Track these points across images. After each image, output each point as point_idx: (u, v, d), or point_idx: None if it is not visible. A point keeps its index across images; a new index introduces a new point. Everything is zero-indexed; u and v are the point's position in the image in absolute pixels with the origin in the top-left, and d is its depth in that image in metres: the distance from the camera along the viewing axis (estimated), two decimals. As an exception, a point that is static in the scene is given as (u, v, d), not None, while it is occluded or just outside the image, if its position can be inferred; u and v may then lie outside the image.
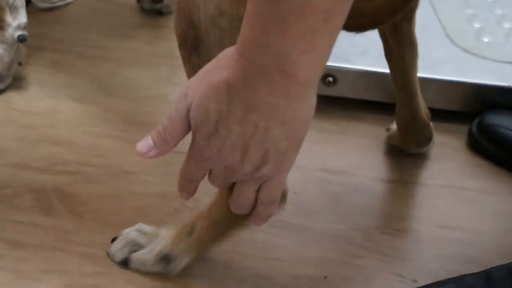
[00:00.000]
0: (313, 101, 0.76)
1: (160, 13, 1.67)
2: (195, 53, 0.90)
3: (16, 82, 1.42)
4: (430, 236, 1.18)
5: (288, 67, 0.69)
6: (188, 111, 0.79)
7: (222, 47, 0.84)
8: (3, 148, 1.28)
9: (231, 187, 0.91)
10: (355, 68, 1.36)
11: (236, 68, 0.73)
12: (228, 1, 0.86)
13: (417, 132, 1.28)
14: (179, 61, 1.42)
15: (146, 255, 1.06)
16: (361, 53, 1.37)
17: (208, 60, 0.84)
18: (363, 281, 1.12)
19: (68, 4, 1.66)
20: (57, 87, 1.42)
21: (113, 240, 1.10)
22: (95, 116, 1.35)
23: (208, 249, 1.07)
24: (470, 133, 1.34)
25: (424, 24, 1.45)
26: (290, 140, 0.77)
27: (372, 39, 1.36)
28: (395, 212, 1.22)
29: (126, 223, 1.15)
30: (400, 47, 1.21)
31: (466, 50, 1.42)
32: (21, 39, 1.37)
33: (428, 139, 1.29)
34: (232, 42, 0.83)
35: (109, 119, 1.36)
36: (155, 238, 1.06)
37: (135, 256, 1.07)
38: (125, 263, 1.08)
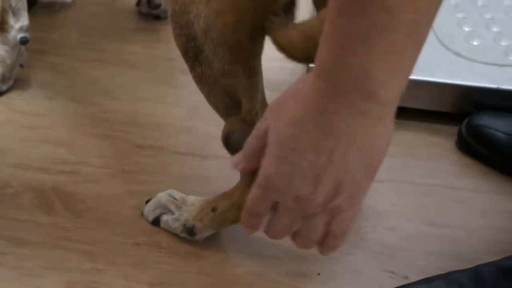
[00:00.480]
0: (391, 125, 0.69)
1: (157, 17, 1.68)
2: (197, 62, 0.96)
3: (17, 84, 1.44)
4: (420, 234, 1.21)
5: (369, 87, 0.63)
6: (266, 132, 0.73)
7: (217, 56, 0.93)
8: (5, 149, 1.30)
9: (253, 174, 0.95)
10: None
11: (312, 91, 0.67)
12: (213, 15, 0.91)
13: None
14: (176, 64, 1.46)
15: (174, 223, 1.16)
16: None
17: (209, 68, 0.95)
18: (355, 277, 1.14)
19: (68, 7, 1.67)
20: (58, 89, 1.44)
21: (147, 201, 1.19)
22: (94, 117, 1.37)
23: (227, 226, 1.14)
24: (459, 134, 1.36)
25: (415, 28, 1.48)
26: (367, 169, 0.69)
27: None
28: (386, 210, 1.24)
29: (125, 222, 1.18)
30: None
31: (456, 53, 1.44)
32: (23, 41, 1.39)
33: None
34: (224, 53, 0.92)
35: (108, 120, 1.37)
36: (183, 206, 1.16)
37: (164, 219, 1.17)
38: (156, 222, 1.18)
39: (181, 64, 1.44)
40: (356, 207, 0.74)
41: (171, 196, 1.18)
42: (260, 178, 0.74)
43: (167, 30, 1.52)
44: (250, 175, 0.97)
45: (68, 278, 1.11)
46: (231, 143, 1.02)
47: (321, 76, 0.66)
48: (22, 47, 1.41)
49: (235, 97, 1.00)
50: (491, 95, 1.37)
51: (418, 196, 1.27)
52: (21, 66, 1.43)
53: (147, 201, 1.20)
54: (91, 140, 1.33)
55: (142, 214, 1.20)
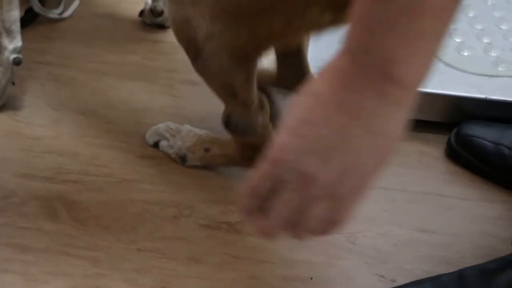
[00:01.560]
0: (406, 117, 0.67)
1: (161, 26, 1.71)
2: (199, 57, 1.03)
3: (22, 96, 1.47)
4: (409, 239, 1.24)
5: (394, 71, 0.62)
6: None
7: (216, 57, 1.00)
8: (10, 159, 1.33)
9: (243, 147, 1.13)
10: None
11: (336, 68, 0.65)
12: (215, 27, 0.96)
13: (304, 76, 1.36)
14: (177, 75, 1.50)
15: (169, 149, 1.33)
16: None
17: (211, 62, 1.01)
18: (346, 281, 1.18)
19: (71, 19, 1.70)
20: (61, 100, 1.47)
21: None
22: (97, 128, 1.40)
23: (213, 165, 1.31)
24: (448, 143, 1.39)
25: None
26: (378, 159, 0.67)
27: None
28: (377, 216, 1.27)
29: (126, 229, 1.22)
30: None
31: (447, 64, 1.46)
32: (17, 62, 1.40)
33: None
34: (224, 59, 0.99)
35: (111, 130, 1.41)
36: (176, 135, 1.32)
37: (162, 144, 1.34)
38: (156, 146, 1.35)
39: (182, 75, 1.50)
40: (357, 198, 0.69)
41: (167, 126, 1.34)
42: (270, 152, 0.69)
43: (167, 42, 1.57)
44: (240, 146, 1.16)
45: (72, 283, 1.15)
46: (231, 123, 1.13)
47: (347, 56, 0.64)
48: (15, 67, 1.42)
49: (232, 88, 1.07)
50: (480, 105, 1.39)
51: (409, 203, 1.30)
52: (13, 83, 1.45)
53: None
54: (94, 150, 1.36)
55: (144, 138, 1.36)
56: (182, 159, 1.31)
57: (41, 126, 1.41)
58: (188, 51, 1.05)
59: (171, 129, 1.34)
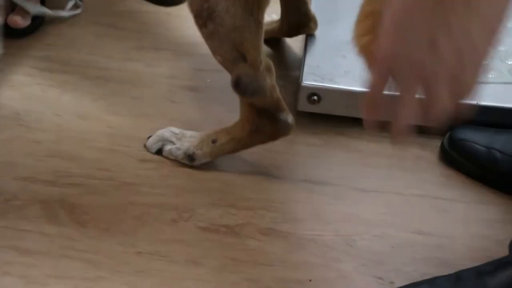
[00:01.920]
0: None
1: (171, 3, 1.68)
2: (210, 20, 1.02)
3: (25, 101, 1.42)
4: (406, 242, 1.19)
5: None
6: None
7: (229, 13, 1.00)
8: (13, 163, 1.28)
9: (254, 115, 1.11)
10: (338, 88, 1.35)
11: None
12: None
13: (311, 21, 1.46)
14: (176, 81, 1.45)
15: (176, 151, 1.27)
16: (343, 74, 1.38)
17: (221, 25, 1.01)
18: (345, 283, 1.13)
19: (75, 27, 1.65)
20: (64, 106, 1.42)
21: (149, 137, 1.30)
22: (98, 132, 1.34)
23: (223, 155, 1.25)
24: (442, 147, 1.34)
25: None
26: (484, 36, 0.62)
27: (353, 61, 1.37)
28: (374, 219, 1.22)
29: (127, 231, 1.16)
30: None
31: (439, 70, 1.41)
32: None
33: (316, 23, 1.46)
34: (236, 10, 1.00)
35: (112, 135, 1.35)
36: (183, 138, 1.27)
37: (167, 148, 1.28)
38: (159, 152, 1.29)
39: (182, 81, 1.45)
40: (476, 73, 0.66)
41: (172, 131, 1.28)
42: (377, 57, 0.66)
43: (169, 49, 1.53)
44: (247, 112, 1.14)
45: (73, 285, 1.09)
46: (241, 85, 1.09)
47: None
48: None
49: (242, 48, 1.05)
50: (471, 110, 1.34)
51: (405, 206, 1.25)
52: None
53: (148, 138, 1.30)
54: (95, 154, 1.31)
55: (144, 147, 1.30)
56: (190, 158, 1.26)
57: (43, 130, 1.36)
58: (199, 16, 1.04)
59: (176, 133, 1.29)
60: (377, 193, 1.26)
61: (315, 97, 1.36)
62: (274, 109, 1.15)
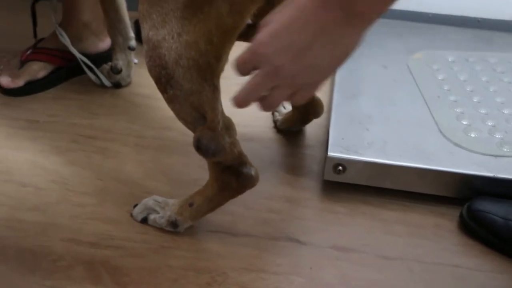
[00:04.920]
0: (360, 38, 0.78)
1: (118, 86, 1.70)
2: (168, 86, 1.04)
3: (70, 166, 1.42)
4: (428, 309, 1.15)
5: (356, 6, 0.75)
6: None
7: (186, 79, 1.02)
8: (59, 225, 1.26)
9: (219, 173, 1.14)
10: (362, 159, 1.35)
11: None
12: (183, 47, 0.99)
13: (316, 106, 1.47)
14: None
15: (160, 219, 1.24)
16: (366, 145, 1.37)
17: (179, 90, 1.03)
18: None
19: (115, 97, 1.66)
20: (106, 171, 1.41)
21: (135, 206, 1.28)
22: (137, 197, 1.32)
23: (202, 217, 1.23)
24: (461, 217, 1.32)
25: (421, 122, 1.46)
26: (332, 63, 0.80)
27: (375, 134, 1.37)
28: (397, 285, 1.19)
29: (164, 293, 1.14)
30: None
31: (456, 144, 1.41)
32: None
33: (322, 107, 1.47)
34: (192, 75, 1.01)
35: (150, 200, 1.33)
36: (166, 206, 1.25)
37: (152, 217, 1.26)
38: (144, 221, 1.26)
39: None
40: (314, 91, 0.85)
41: (155, 200, 1.27)
42: (254, 42, 0.81)
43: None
44: (213, 171, 1.15)
45: None
46: (201, 146, 1.09)
47: None
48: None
49: (201, 110, 1.06)
50: (488, 182, 1.33)
51: (426, 273, 1.22)
52: None
53: (135, 206, 1.28)
54: (135, 217, 1.29)
55: (131, 215, 1.28)
56: (174, 225, 1.24)
57: (87, 194, 1.35)
58: (159, 82, 1.05)
59: (159, 202, 1.27)
60: (399, 260, 1.24)
61: (340, 168, 1.35)
62: (237, 164, 1.15)
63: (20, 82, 1.65)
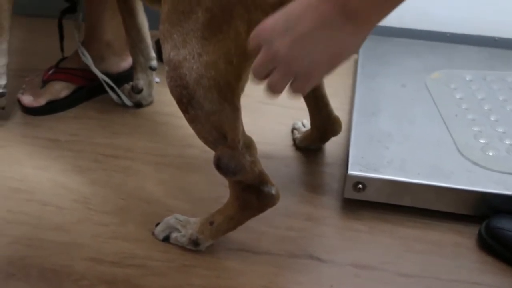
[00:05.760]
0: (360, 41, 0.82)
1: (139, 105, 1.69)
2: (190, 106, 1.04)
3: (92, 185, 1.42)
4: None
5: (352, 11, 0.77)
6: None
7: (207, 99, 1.02)
8: (81, 244, 1.26)
9: (240, 192, 1.13)
10: (382, 177, 1.34)
11: None
12: (203, 67, 0.99)
13: (334, 124, 1.46)
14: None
15: (182, 238, 1.23)
16: (386, 164, 1.36)
17: (200, 110, 1.03)
18: None
19: (137, 116, 1.66)
20: (128, 190, 1.41)
21: (157, 224, 1.27)
22: (159, 215, 1.31)
23: (223, 235, 1.22)
24: (479, 234, 1.30)
25: (439, 140, 1.45)
26: (327, 59, 0.82)
27: (394, 152, 1.36)
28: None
29: (186, 312, 1.12)
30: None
31: (474, 163, 1.39)
32: (1, 95, 1.54)
33: (340, 125, 1.46)
34: (212, 95, 1.01)
35: (171, 218, 1.32)
36: (187, 225, 1.24)
37: (174, 236, 1.25)
38: (166, 239, 1.25)
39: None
40: (310, 83, 0.85)
41: (177, 219, 1.25)
42: (257, 27, 0.85)
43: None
44: (234, 190, 1.14)
45: None
46: (221, 165, 1.08)
47: None
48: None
49: (222, 130, 1.05)
50: (506, 200, 1.31)
51: (445, 291, 1.19)
52: (3, 108, 1.58)
53: (157, 224, 1.27)
54: (157, 236, 1.28)
55: (153, 234, 1.27)
56: (195, 243, 1.22)
57: (108, 213, 1.34)
58: (181, 102, 1.05)
59: (181, 220, 1.26)
60: (418, 278, 1.22)
61: (360, 186, 1.34)
62: (258, 183, 1.13)
63: (42, 101, 1.65)
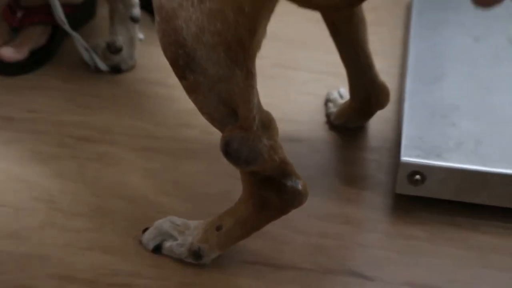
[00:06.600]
0: None
1: (117, 70, 1.71)
2: (188, 70, 1.03)
3: (58, 178, 1.44)
4: None
5: None
6: None
7: (210, 61, 1.00)
8: (47, 256, 1.28)
9: (256, 187, 1.14)
10: (447, 165, 1.35)
11: None
12: (205, 17, 0.98)
13: (379, 94, 1.47)
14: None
15: (178, 248, 1.25)
16: (453, 147, 1.37)
17: (203, 75, 1.03)
18: None
19: (116, 86, 1.68)
20: (105, 185, 1.43)
21: (144, 230, 1.29)
22: (148, 218, 1.33)
23: (233, 244, 1.24)
24: None
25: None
26: None
27: (465, 130, 1.35)
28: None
29: None
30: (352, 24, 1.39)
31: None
32: None
33: (388, 95, 1.48)
34: (218, 56, 1.00)
35: (165, 222, 1.35)
36: (186, 230, 1.25)
37: (167, 245, 1.26)
38: (157, 250, 1.27)
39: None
40: None
41: (172, 222, 1.27)
42: None
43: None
44: (248, 184, 1.15)
45: None
46: (231, 151, 1.08)
47: None
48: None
49: (231, 103, 1.06)
50: None
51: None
52: None
53: (144, 230, 1.29)
54: (145, 246, 1.31)
55: (140, 243, 1.28)
56: (196, 255, 1.24)
57: (81, 215, 1.36)
58: (176, 65, 1.05)
59: (177, 225, 1.27)
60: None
61: (418, 177, 1.35)
62: (279, 176, 1.14)
63: (25, 52, 1.68)
